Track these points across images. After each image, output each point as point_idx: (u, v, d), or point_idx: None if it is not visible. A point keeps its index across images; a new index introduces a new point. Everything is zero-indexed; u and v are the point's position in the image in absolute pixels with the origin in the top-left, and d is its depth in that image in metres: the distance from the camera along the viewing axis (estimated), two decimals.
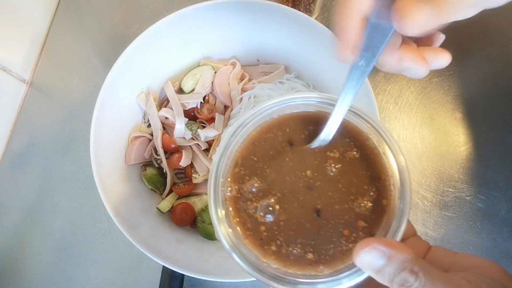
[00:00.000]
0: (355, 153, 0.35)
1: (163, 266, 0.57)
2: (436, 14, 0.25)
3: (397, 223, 0.31)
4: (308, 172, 0.35)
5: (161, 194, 0.66)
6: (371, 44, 0.29)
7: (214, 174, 0.34)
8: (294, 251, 0.33)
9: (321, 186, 0.34)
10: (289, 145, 0.36)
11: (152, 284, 0.66)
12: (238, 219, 0.34)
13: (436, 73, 0.74)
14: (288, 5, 0.57)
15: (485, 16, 0.27)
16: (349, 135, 0.35)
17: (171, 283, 0.63)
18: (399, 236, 0.31)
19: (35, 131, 0.77)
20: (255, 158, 0.36)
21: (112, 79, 0.57)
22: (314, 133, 0.36)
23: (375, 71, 0.75)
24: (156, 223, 0.61)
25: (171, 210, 0.64)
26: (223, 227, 0.33)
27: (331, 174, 0.35)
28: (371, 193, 0.34)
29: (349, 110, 0.34)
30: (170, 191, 0.66)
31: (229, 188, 0.35)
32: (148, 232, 0.57)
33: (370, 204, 0.33)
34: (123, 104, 0.62)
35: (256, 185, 0.35)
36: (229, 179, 0.35)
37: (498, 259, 0.65)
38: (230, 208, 0.34)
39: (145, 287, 0.67)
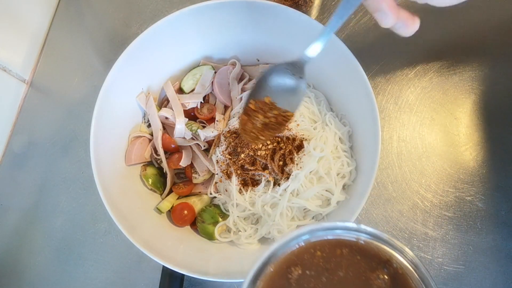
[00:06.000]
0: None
1: (163, 266, 0.57)
2: None
3: None
4: None
5: (161, 194, 0.66)
6: None
7: None
8: None
9: None
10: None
11: (152, 284, 0.66)
12: None
13: (436, 73, 0.74)
14: (287, 5, 0.57)
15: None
16: (371, 258, 0.35)
17: (171, 283, 0.63)
18: None
19: (35, 131, 0.77)
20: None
21: (112, 79, 0.57)
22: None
23: (375, 72, 0.75)
24: (156, 223, 0.61)
25: (171, 210, 0.64)
26: None
27: None
28: None
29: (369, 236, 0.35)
30: (170, 191, 0.66)
31: None
32: (148, 232, 0.57)
33: None
34: (123, 104, 0.62)
35: None
36: None
37: (498, 259, 0.65)
38: None
39: (145, 287, 0.67)
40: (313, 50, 0.46)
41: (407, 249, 0.34)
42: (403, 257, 0.34)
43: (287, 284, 0.35)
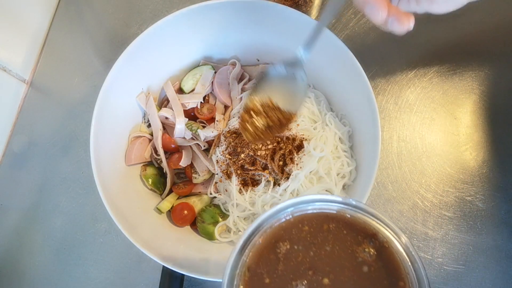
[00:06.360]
0: (372, 253, 0.35)
1: (163, 266, 0.57)
2: None
3: None
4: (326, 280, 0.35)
5: (161, 194, 0.66)
6: None
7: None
8: None
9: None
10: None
11: (152, 284, 0.66)
12: None
13: (436, 73, 0.74)
14: (287, 5, 0.57)
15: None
16: (357, 232, 0.36)
17: (171, 283, 0.63)
18: None
19: (35, 131, 0.77)
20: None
21: (112, 79, 0.57)
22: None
23: (375, 72, 0.75)
24: (156, 223, 0.61)
25: (171, 210, 0.64)
26: None
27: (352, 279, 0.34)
28: None
29: (354, 208, 0.35)
30: (170, 191, 0.66)
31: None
32: (148, 232, 0.57)
33: None
34: (123, 104, 0.62)
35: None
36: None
37: (498, 259, 0.65)
38: None
39: (145, 287, 0.67)
40: (307, 45, 0.46)
41: (392, 224, 0.35)
42: (388, 230, 0.35)
43: (275, 258, 0.36)
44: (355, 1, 0.38)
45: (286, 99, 0.52)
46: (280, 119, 0.52)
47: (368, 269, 0.34)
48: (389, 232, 0.35)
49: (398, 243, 0.34)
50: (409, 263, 0.34)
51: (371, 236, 0.35)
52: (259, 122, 0.53)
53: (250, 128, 0.53)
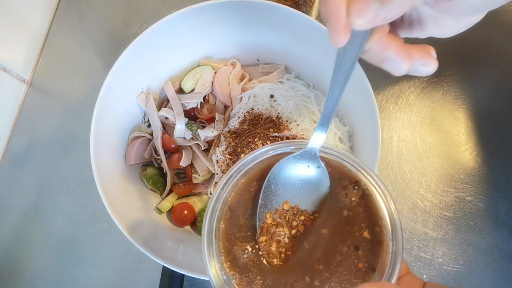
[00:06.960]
0: (353, 197, 0.37)
1: (163, 266, 0.57)
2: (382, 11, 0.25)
3: (391, 266, 0.33)
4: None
5: (161, 194, 0.66)
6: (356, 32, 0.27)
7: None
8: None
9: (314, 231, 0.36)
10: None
11: (152, 284, 0.66)
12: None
13: (436, 73, 0.74)
14: (287, 5, 0.57)
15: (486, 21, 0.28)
16: (341, 177, 0.37)
17: (171, 283, 0.63)
18: (394, 279, 0.32)
19: (35, 131, 0.77)
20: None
21: (112, 79, 0.57)
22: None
23: (375, 72, 0.75)
24: (156, 223, 0.61)
25: (171, 210, 0.64)
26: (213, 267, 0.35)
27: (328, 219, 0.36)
28: (365, 234, 0.36)
29: (339, 156, 0.37)
30: (170, 191, 0.66)
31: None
32: (148, 232, 0.57)
33: (367, 237, 0.35)
34: (123, 104, 0.62)
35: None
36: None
37: (498, 259, 0.65)
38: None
39: (145, 287, 0.67)
40: (318, 139, 0.37)
41: (372, 173, 0.36)
42: (368, 178, 0.36)
43: (250, 198, 0.37)
44: (369, 58, 0.32)
45: (306, 197, 0.40)
46: (305, 224, 0.39)
47: (347, 214, 0.36)
48: (369, 181, 0.36)
49: (376, 191, 0.36)
50: (385, 210, 0.35)
51: (355, 183, 0.36)
52: (283, 237, 0.39)
53: (275, 252, 0.38)
